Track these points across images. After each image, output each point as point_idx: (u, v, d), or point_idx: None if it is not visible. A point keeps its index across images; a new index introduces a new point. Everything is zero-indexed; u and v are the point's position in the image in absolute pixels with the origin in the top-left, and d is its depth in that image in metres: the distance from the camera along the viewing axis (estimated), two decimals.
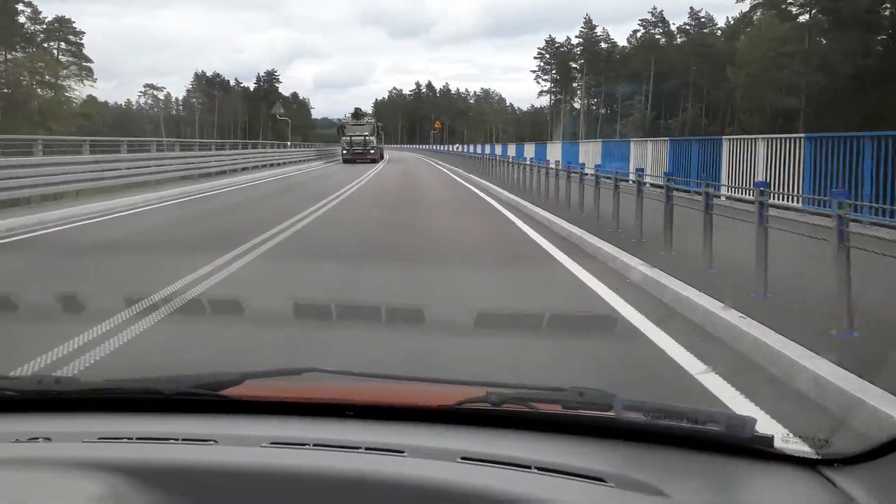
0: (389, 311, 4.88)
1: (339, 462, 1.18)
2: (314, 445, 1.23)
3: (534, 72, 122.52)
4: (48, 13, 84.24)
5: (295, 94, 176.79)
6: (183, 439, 1.27)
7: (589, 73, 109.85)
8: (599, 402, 1.31)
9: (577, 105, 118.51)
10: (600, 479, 1.13)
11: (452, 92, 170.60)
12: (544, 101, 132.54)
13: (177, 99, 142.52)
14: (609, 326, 4.97)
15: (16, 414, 1.43)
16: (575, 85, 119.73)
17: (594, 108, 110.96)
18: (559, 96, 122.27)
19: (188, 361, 4.11)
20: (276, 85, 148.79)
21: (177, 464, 1.18)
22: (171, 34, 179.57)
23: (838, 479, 1.17)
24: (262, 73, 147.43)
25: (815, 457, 1.23)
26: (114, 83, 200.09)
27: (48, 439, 1.28)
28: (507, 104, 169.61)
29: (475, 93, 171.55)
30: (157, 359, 4.21)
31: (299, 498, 1.12)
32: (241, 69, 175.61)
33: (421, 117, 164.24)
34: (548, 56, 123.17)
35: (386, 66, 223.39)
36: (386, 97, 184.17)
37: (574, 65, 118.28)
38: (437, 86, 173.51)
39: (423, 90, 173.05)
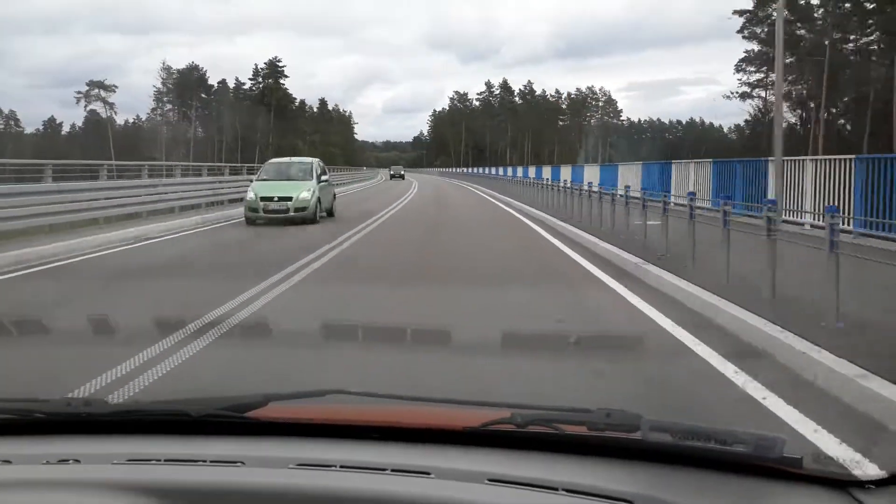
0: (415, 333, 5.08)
1: (365, 483, 1.21)
2: (341, 467, 1.26)
3: (742, 32, 70.61)
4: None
5: (323, 104, 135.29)
6: (211, 461, 1.30)
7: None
8: (626, 423, 1.32)
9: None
10: (628, 501, 1.15)
11: (538, 93, 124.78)
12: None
13: (156, 109, 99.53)
14: (636, 346, 5.16)
15: (45, 436, 1.45)
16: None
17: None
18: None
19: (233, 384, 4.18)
20: (282, 82, 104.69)
21: (205, 485, 1.21)
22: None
23: (870, 501, 1.18)
24: (261, 65, 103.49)
25: (847, 478, 1.23)
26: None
27: (77, 461, 1.31)
28: (618, 108, 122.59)
29: (569, 95, 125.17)
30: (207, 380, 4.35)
31: None
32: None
33: (493, 130, 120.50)
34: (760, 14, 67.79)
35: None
36: (447, 107, 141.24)
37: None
38: (517, 86, 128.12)
39: (497, 91, 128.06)
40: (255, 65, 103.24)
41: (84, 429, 1.47)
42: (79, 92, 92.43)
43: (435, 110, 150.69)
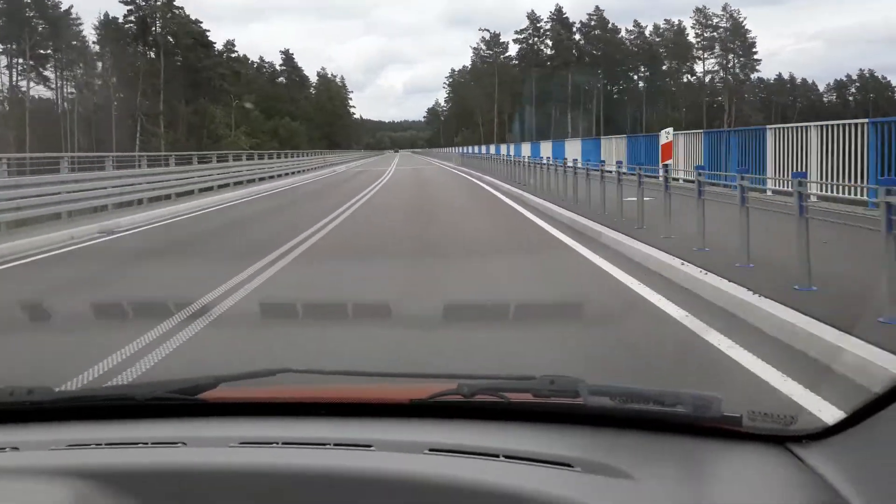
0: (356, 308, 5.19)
1: (306, 459, 1.24)
2: (283, 444, 1.29)
3: None
4: None
5: (288, 59, 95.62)
6: (152, 443, 1.32)
7: None
8: (568, 388, 1.37)
9: None
10: (567, 465, 1.19)
11: (608, 25, 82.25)
12: None
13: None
14: (576, 314, 5.16)
15: None
16: None
17: None
18: None
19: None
20: (178, 3, 62.83)
21: (145, 467, 1.24)
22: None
23: (806, 454, 1.22)
24: None
25: (783, 434, 1.28)
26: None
27: (16, 448, 1.33)
28: (749, 41, 79.31)
29: (657, 28, 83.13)
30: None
31: (268, 495, 1.18)
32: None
33: (543, 84, 78.72)
34: None
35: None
36: (468, 64, 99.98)
37: None
38: (579, 16, 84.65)
39: (546, 27, 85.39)
40: None
41: (29, 417, 1.47)
42: None
43: (453, 69, 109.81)
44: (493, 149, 44.18)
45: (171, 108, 56.84)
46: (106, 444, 1.32)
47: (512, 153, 33.22)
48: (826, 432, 1.24)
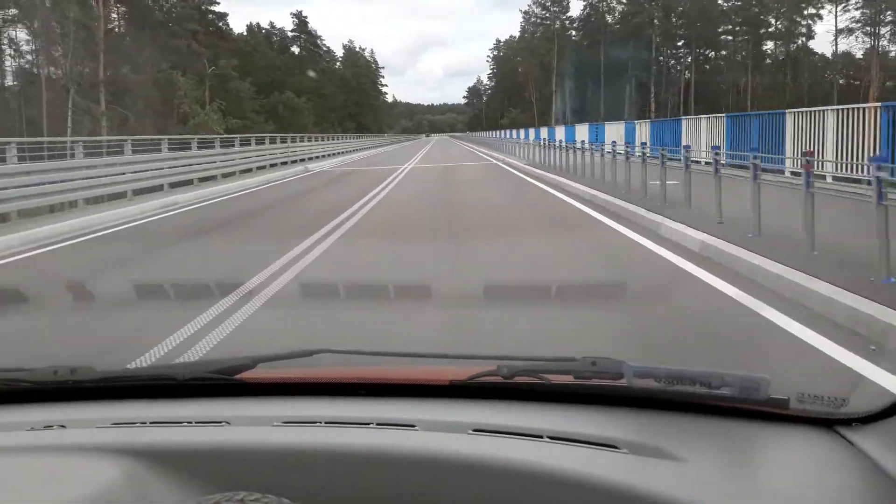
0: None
1: (350, 438, 1.25)
2: (326, 423, 1.30)
3: None
4: None
5: (302, 24, 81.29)
6: (196, 422, 1.34)
7: None
8: (611, 370, 1.36)
9: None
10: (612, 446, 1.18)
11: None
12: None
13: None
14: (620, 294, 5.25)
15: (32, 404, 1.49)
16: None
17: None
18: None
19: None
20: None
21: (189, 446, 1.25)
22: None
23: (856, 438, 1.21)
24: None
25: (832, 417, 1.26)
26: None
27: (63, 426, 1.35)
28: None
29: None
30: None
31: (311, 474, 1.20)
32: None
33: (617, 49, 61.46)
34: None
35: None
36: (516, 34, 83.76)
37: None
38: None
39: None
40: None
41: (71, 396, 1.50)
42: None
43: (498, 40, 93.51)
44: (582, 132, 27.95)
45: (118, 76, 41.73)
46: (150, 423, 1.33)
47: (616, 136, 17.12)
48: (878, 415, 1.22)
